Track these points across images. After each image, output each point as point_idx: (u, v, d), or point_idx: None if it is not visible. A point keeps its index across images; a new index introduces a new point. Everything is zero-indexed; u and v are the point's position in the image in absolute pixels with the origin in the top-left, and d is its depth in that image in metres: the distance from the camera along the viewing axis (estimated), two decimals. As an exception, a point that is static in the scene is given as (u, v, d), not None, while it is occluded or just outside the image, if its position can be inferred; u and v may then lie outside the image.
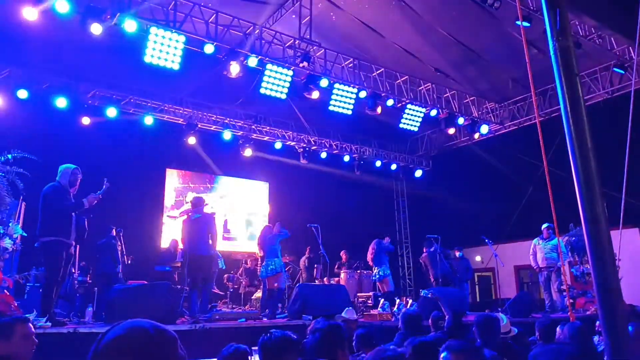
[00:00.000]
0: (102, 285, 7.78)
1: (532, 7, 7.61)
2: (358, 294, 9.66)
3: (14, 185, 6.06)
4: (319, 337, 2.71)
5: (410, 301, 8.40)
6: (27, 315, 4.75)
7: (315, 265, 10.44)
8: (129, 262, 8.61)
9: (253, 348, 5.14)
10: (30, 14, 6.55)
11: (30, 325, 2.95)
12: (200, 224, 6.94)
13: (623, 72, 9.43)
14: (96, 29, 6.85)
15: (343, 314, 5.93)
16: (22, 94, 8.88)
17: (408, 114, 10.47)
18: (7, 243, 5.79)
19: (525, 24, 6.98)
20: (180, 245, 9.49)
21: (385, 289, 9.36)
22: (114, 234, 8.38)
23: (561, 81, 1.71)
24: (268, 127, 12.06)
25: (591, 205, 1.56)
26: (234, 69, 8.19)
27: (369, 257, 9.64)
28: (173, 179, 12.09)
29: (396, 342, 4.01)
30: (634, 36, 4.23)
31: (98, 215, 6.88)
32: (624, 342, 1.45)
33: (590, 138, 1.63)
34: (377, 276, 9.47)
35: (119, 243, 8.42)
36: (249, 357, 2.82)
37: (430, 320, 5.17)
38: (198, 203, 7.26)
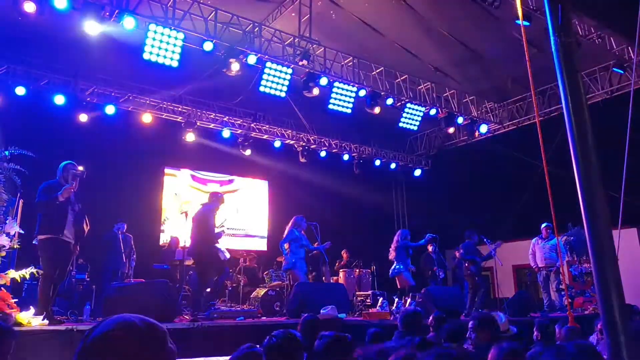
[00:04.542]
0: (106, 282, 7.76)
1: (531, 6, 7.60)
2: (357, 293, 9.64)
3: (12, 182, 6.03)
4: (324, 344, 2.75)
5: (408, 300, 8.38)
6: (23, 312, 4.75)
7: (325, 266, 10.38)
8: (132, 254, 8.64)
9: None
10: (30, 7, 6.54)
11: None
12: (211, 217, 6.97)
13: (622, 72, 9.43)
14: (93, 26, 6.84)
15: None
16: (20, 90, 8.85)
17: (407, 113, 10.46)
18: (4, 240, 5.77)
19: (526, 23, 6.97)
20: (182, 243, 9.48)
21: (400, 285, 8.74)
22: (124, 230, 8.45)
23: (562, 78, 1.70)
24: (267, 126, 12.04)
25: (592, 200, 1.55)
26: (233, 67, 8.18)
27: (391, 251, 8.82)
28: (171, 177, 12.05)
29: (394, 340, 3.99)
30: (633, 36, 4.22)
31: (96, 212, 6.84)
32: (625, 339, 1.44)
33: (592, 133, 1.62)
34: (393, 271, 8.72)
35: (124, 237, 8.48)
36: None
37: (432, 319, 5.12)
38: (215, 199, 7.14)
